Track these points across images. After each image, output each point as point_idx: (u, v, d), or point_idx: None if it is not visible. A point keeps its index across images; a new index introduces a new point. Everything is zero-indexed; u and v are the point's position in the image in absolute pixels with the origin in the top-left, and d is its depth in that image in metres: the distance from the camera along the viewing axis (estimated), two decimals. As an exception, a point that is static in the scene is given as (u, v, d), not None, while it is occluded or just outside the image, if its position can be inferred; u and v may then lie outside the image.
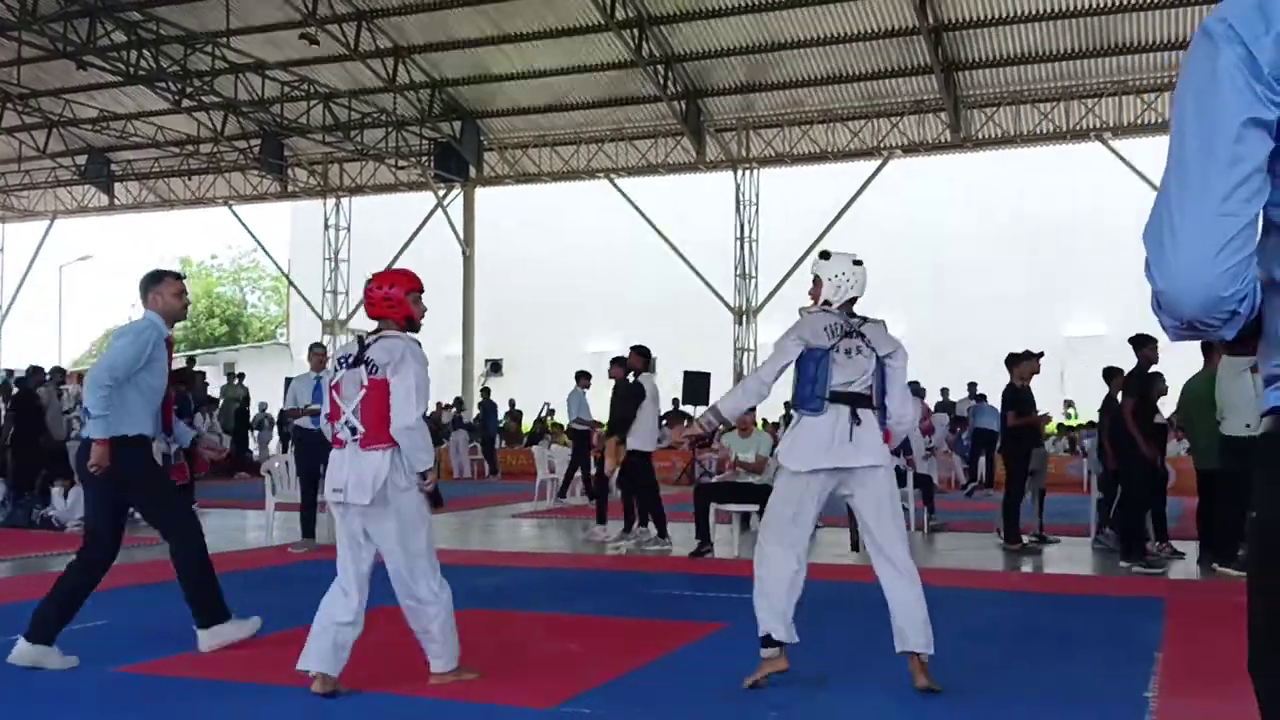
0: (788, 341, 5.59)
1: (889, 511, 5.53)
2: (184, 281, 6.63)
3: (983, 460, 20.81)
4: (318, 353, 12.36)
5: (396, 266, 6.00)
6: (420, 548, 5.44)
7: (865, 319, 5.69)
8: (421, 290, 5.75)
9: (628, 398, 12.21)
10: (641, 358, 12.58)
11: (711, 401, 18.90)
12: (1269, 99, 1.64)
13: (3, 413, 15.94)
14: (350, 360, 5.55)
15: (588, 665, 6.13)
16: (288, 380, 15.72)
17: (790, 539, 5.54)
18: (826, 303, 5.69)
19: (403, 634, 6.37)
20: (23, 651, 5.95)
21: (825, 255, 5.81)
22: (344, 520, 5.51)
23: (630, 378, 12.45)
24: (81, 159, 32.37)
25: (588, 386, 17.58)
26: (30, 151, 31.39)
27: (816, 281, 5.75)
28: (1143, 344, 10.57)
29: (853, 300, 5.71)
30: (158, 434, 6.68)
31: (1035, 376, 12.07)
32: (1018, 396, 11.90)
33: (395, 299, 5.61)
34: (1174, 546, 11.21)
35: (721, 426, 5.77)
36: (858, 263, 5.74)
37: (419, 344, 5.58)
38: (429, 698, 5.34)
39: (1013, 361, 11.97)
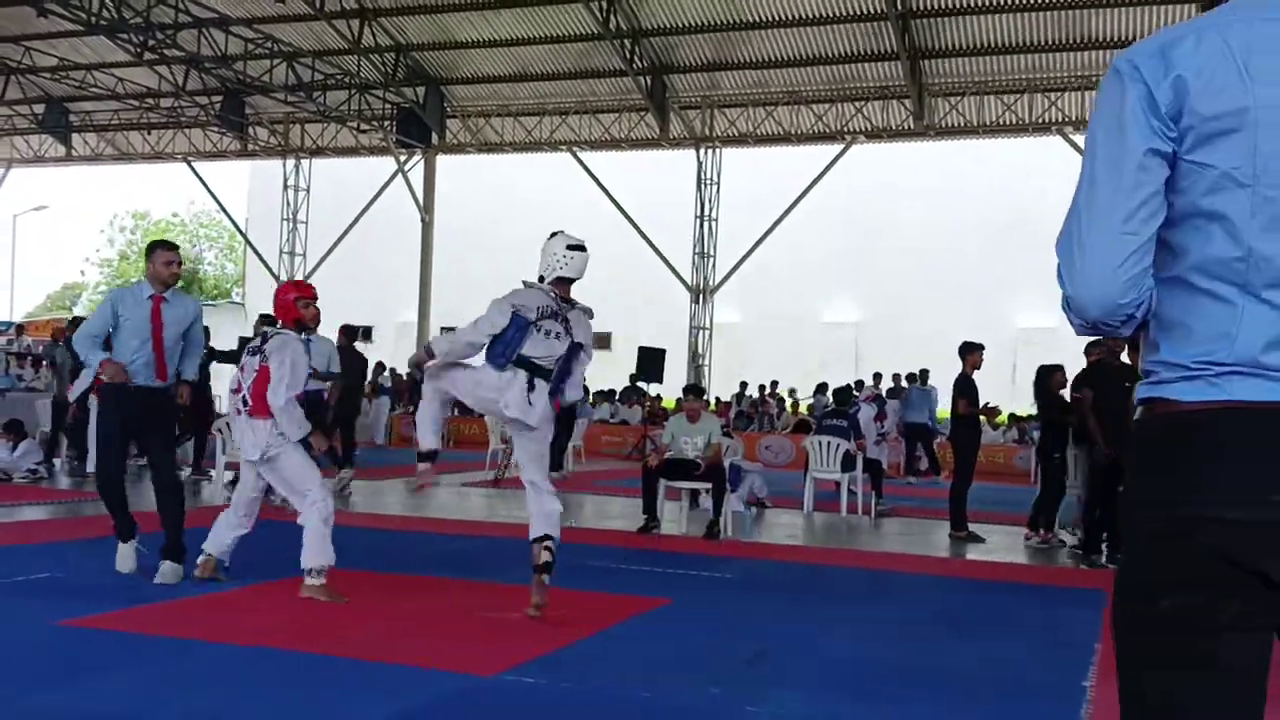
0: (502, 306, 6.24)
1: (538, 456, 6.52)
2: (175, 252, 7.57)
3: (919, 447, 20.60)
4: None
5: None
6: (296, 484, 6.92)
7: (575, 304, 6.37)
8: (312, 298, 7.25)
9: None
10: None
11: (664, 379, 19.08)
12: (1164, 134, 1.87)
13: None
14: (254, 349, 7.08)
15: (531, 635, 6.17)
16: (242, 340, 15.43)
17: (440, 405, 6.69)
18: (541, 278, 6.33)
19: (361, 601, 6.38)
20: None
21: (552, 235, 6.45)
22: (247, 467, 7.17)
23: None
24: (39, 108, 31.86)
25: None
26: (-14, 99, 30.86)
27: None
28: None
29: (565, 281, 6.33)
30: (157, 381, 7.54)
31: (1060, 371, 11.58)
32: (969, 385, 11.97)
33: (286, 304, 7.15)
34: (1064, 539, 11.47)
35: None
36: (576, 247, 6.33)
37: (301, 340, 7.18)
38: (371, 660, 5.35)
39: (966, 350, 12.03)
